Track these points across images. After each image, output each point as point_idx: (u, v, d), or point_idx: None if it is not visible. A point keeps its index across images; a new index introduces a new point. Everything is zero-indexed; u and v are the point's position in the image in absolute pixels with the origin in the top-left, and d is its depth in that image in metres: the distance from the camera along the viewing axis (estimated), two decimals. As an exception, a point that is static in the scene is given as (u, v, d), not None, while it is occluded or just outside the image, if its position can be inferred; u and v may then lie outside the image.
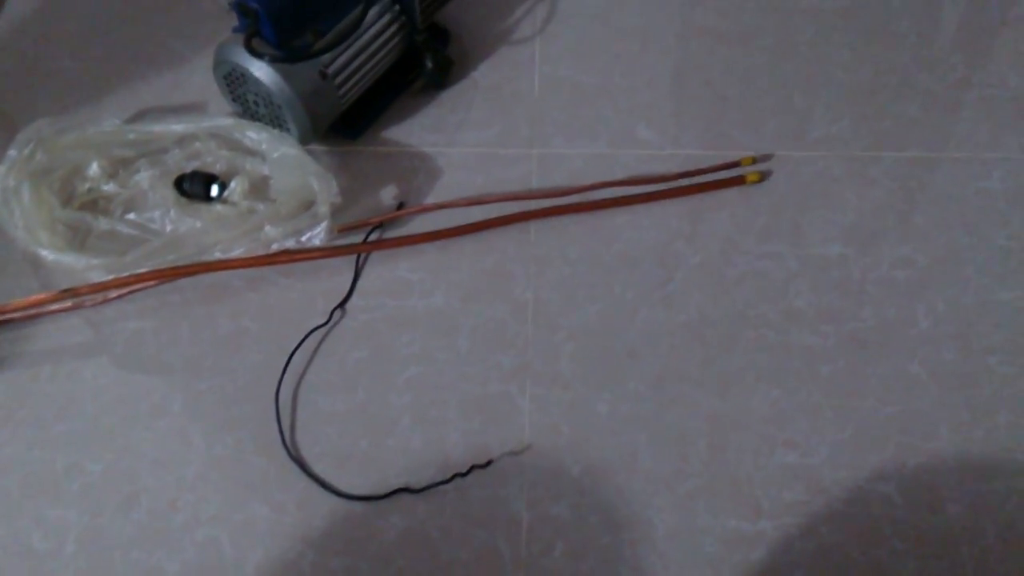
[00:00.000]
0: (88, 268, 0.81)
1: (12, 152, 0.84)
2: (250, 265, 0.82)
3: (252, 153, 0.88)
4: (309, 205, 0.85)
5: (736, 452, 0.75)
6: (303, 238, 0.83)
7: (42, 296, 0.80)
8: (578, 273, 0.84)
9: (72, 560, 0.70)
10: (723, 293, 0.83)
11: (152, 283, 0.82)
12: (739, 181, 0.89)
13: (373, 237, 0.86)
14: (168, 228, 0.85)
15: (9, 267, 0.84)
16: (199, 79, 0.96)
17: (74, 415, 0.77)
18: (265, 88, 0.82)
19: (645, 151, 0.92)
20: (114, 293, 0.82)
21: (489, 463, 0.74)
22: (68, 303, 0.82)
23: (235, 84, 0.86)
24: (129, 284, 0.80)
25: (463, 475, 0.73)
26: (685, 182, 0.89)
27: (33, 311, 0.81)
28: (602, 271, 0.84)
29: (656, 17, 1.04)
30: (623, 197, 0.88)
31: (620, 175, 0.89)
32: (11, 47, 0.99)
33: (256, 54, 0.80)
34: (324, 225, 0.83)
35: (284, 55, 0.81)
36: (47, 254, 0.80)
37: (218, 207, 0.86)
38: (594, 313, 0.82)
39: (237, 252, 0.82)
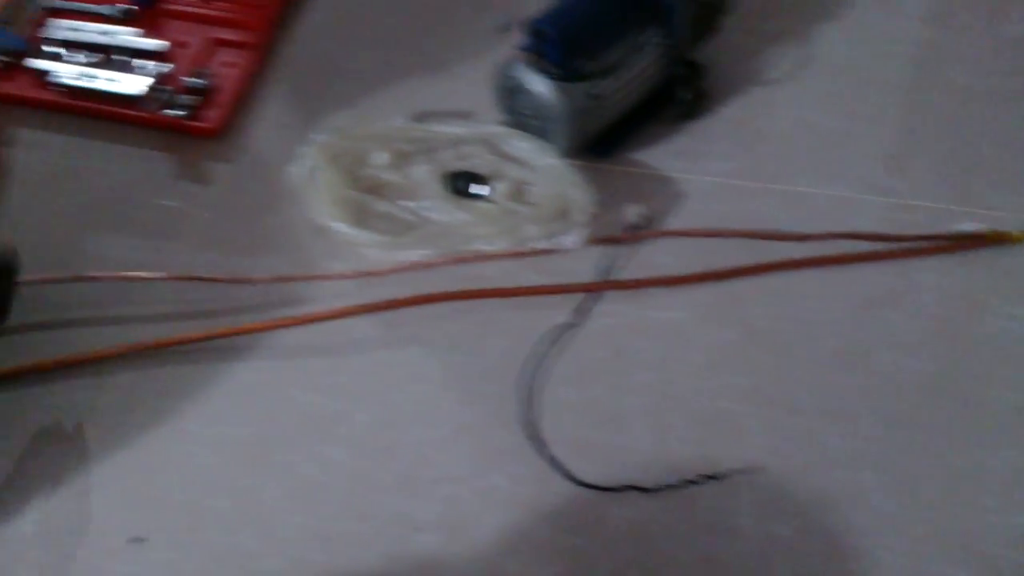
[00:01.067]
0: (370, 243, 0.95)
1: (318, 136, 1.01)
2: (509, 257, 0.94)
3: (514, 160, 1.01)
4: (564, 212, 0.96)
5: (973, 507, 0.80)
6: (558, 241, 0.94)
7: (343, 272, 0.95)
8: (815, 310, 0.91)
9: (339, 494, 0.83)
10: (969, 349, 0.88)
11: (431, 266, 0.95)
12: (1001, 238, 0.94)
13: (615, 251, 0.96)
14: (436, 217, 0.98)
15: (302, 237, 0.99)
16: (468, 89, 1.09)
17: (344, 371, 0.90)
18: (542, 103, 0.95)
19: (889, 199, 0.98)
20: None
21: (718, 476, 0.82)
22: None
23: (512, 96, 0.98)
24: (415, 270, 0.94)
25: (694, 483, 0.82)
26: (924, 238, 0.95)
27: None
28: (841, 310, 0.91)
29: (906, 71, 1.11)
30: (871, 252, 0.94)
31: (863, 220, 0.96)
32: (314, 47, 1.16)
33: (540, 71, 0.93)
34: (579, 231, 0.94)
35: (565, 74, 0.93)
36: (339, 227, 0.95)
37: (481, 204, 0.98)
38: (829, 349, 0.89)
39: (499, 246, 0.94)
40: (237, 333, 0.92)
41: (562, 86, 0.93)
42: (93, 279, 0.95)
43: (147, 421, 0.88)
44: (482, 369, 0.90)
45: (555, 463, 0.84)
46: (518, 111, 0.99)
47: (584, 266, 0.96)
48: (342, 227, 0.96)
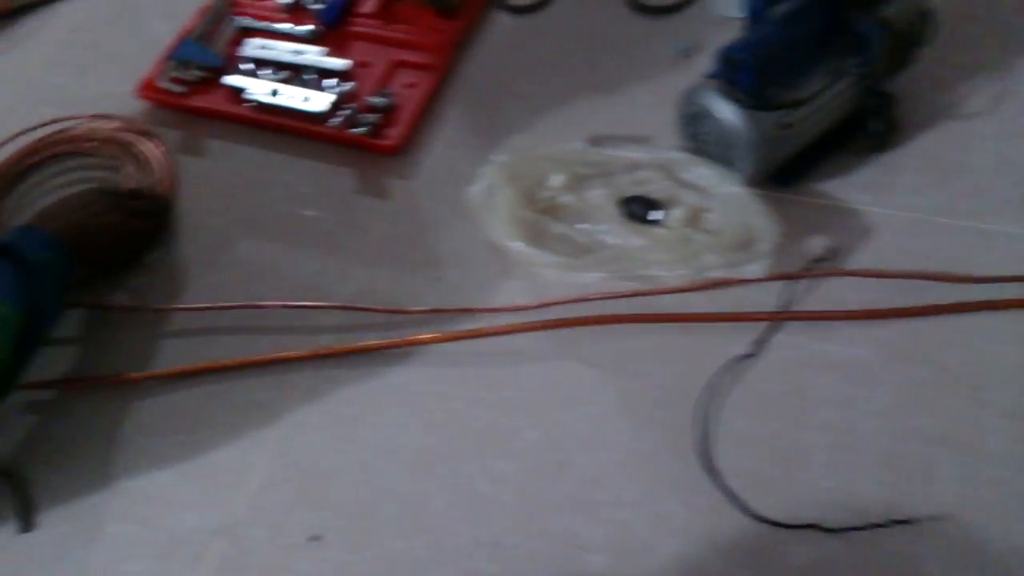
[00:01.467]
0: (545, 263, 0.97)
1: (497, 157, 1.04)
2: (689, 290, 0.94)
3: (692, 187, 1.01)
4: (745, 242, 0.96)
5: None
6: (740, 270, 0.94)
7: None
8: (1013, 354, 0.88)
9: (509, 509, 0.84)
10: None
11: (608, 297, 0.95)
12: None
13: (796, 283, 0.95)
14: (611, 241, 0.99)
15: (478, 254, 1.02)
16: (645, 114, 1.10)
17: (516, 387, 0.92)
18: (729, 130, 0.95)
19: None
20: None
21: (908, 521, 0.79)
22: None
23: (696, 123, 0.98)
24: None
25: (880, 526, 0.79)
26: None
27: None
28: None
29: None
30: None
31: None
32: (491, 69, 1.19)
33: (729, 99, 0.93)
34: (761, 262, 0.93)
35: (756, 103, 0.93)
36: (517, 246, 0.98)
37: (658, 230, 0.99)
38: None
39: (676, 273, 0.95)
40: (412, 344, 0.95)
41: (752, 114, 0.93)
42: (260, 307, 1.00)
43: (325, 424, 0.92)
44: (656, 395, 0.90)
45: (731, 495, 0.83)
46: (701, 138, 0.99)
47: (762, 296, 0.95)
48: (519, 246, 0.98)
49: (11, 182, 1.15)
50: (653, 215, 0.99)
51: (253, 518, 0.87)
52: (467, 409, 0.91)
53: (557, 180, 1.03)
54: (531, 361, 0.93)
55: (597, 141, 1.07)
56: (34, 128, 1.18)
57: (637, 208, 1.00)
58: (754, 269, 0.93)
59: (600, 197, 1.02)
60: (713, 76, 0.95)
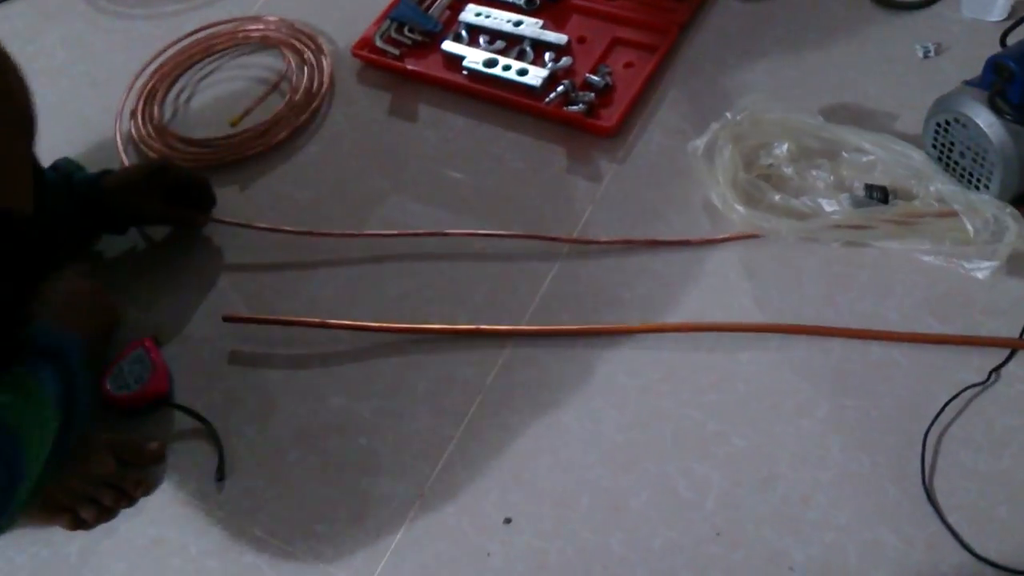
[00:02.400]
0: (765, 226, 0.97)
1: (727, 115, 1.04)
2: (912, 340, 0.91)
3: (925, 181, 0.97)
4: (982, 246, 0.92)
5: None
6: (967, 266, 0.92)
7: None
8: None
9: (710, 516, 0.84)
10: None
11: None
12: None
13: None
14: (835, 217, 0.97)
15: (687, 210, 1.04)
16: (877, 110, 1.07)
17: (726, 389, 0.91)
18: (987, 144, 0.90)
19: None
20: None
21: None
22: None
23: (947, 132, 0.95)
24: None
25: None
26: None
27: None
28: None
29: None
30: None
31: None
32: (714, 55, 1.18)
33: (993, 110, 0.89)
34: (994, 263, 0.90)
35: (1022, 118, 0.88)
36: (739, 208, 0.98)
37: (887, 212, 0.96)
38: None
39: (909, 246, 0.95)
40: (620, 332, 0.97)
41: (1018, 131, 0.89)
42: (447, 235, 1.04)
43: (525, 406, 0.94)
44: (876, 416, 0.87)
45: (952, 531, 0.80)
46: (949, 145, 0.95)
47: (998, 321, 0.91)
48: (739, 208, 0.98)
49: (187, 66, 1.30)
50: (880, 200, 0.98)
51: (447, 491, 0.90)
52: (673, 407, 0.91)
53: (781, 149, 1.02)
54: (744, 364, 0.93)
55: (834, 115, 1.05)
56: (202, 29, 1.32)
57: (865, 191, 0.98)
58: (983, 268, 0.90)
59: (822, 175, 1.01)
60: (976, 84, 0.91)
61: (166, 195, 1.09)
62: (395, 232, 1.08)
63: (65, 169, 1.07)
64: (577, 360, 0.96)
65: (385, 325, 1.01)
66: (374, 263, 1.07)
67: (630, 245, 1.03)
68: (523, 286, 1.02)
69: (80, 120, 1.27)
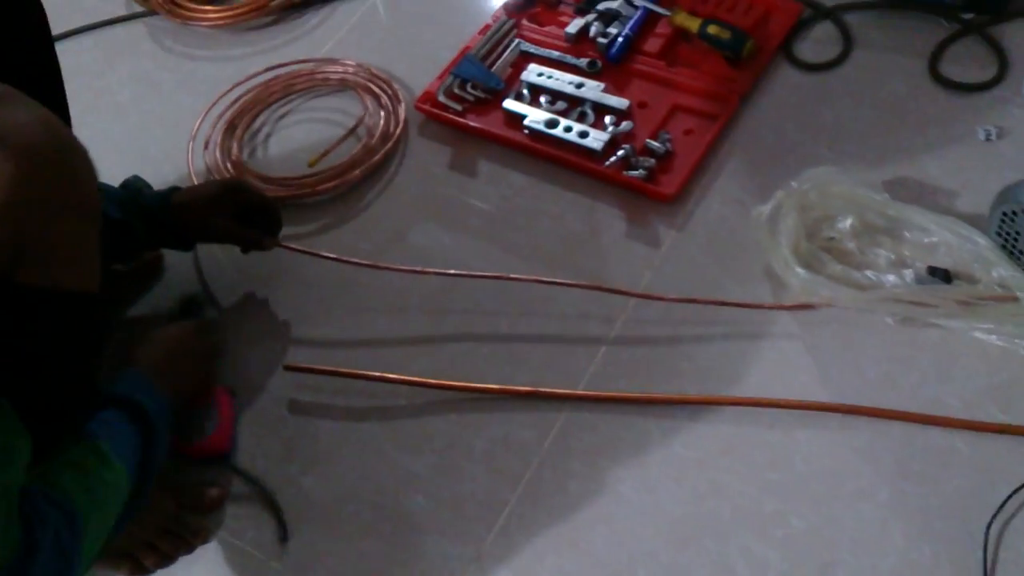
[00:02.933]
0: (832, 296, 0.98)
1: (793, 183, 1.05)
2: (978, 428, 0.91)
3: (990, 267, 0.97)
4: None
5: None
6: None
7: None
8: None
9: (768, 598, 0.84)
10: None
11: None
12: None
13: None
14: (896, 292, 0.98)
15: (748, 279, 1.05)
16: (938, 190, 1.07)
17: (785, 468, 0.91)
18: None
19: None
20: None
21: None
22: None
23: (1013, 221, 0.95)
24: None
25: None
26: None
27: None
28: None
29: None
30: None
31: None
32: (775, 125, 1.18)
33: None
34: None
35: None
36: (800, 271, 0.99)
37: (950, 292, 0.97)
38: None
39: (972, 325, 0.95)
40: (677, 402, 0.96)
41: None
42: (511, 279, 1.05)
43: (583, 471, 0.94)
44: (938, 505, 0.87)
45: (1015, 630, 0.80)
46: (1014, 232, 0.95)
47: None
48: (801, 272, 0.99)
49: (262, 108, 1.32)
50: (942, 280, 0.98)
51: (503, 555, 0.90)
52: (731, 483, 0.91)
53: (845, 223, 1.03)
54: (803, 443, 0.92)
55: (895, 193, 1.05)
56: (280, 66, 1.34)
57: (927, 271, 0.99)
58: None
59: (887, 253, 1.01)
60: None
61: (236, 214, 1.08)
62: (458, 272, 1.08)
63: (134, 185, 1.07)
64: (635, 428, 0.96)
65: (444, 383, 1.01)
66: (434, 315, 1.08)
67: (694, 303, 1.02)
68: (582, 348, 1.03)
69: (147, 157, 1.28)
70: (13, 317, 0.73)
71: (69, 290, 0.75)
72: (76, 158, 0.74)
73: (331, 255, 1.11)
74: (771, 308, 1.02)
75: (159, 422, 0.88)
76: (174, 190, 1.07)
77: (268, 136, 1.29)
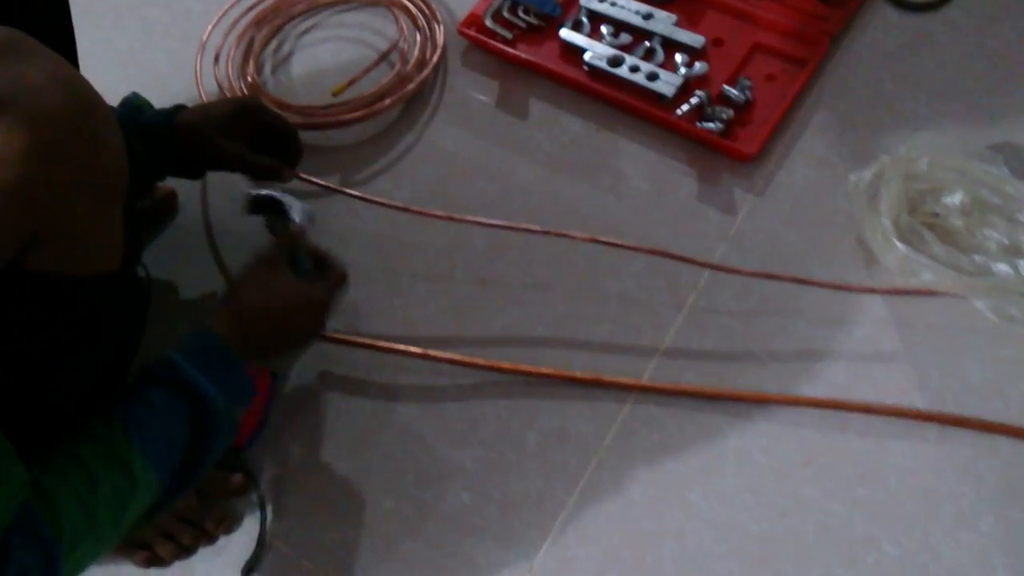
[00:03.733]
0: (934, 281, 0.87)
1: (902, 148, 0.93)
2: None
3: None
4: None
5: None
6: None
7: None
8: None
9: (858, 635, 0.76)
10: None
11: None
12: None
13: None
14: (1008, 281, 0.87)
15: (837, 257, 0.93)
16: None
17: (876, 484, 0.81)
18: None
19: None
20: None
21: None
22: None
23: None
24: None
25: None
26: None
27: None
28: None
29: None
30: None
31: None
32: (869, 74, 1.04)
33: None
34: None
35: None
36: (900, 247, 0.87)
37: None
38: None
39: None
40: (759, 400, 0.86)
41: None
42: (567, 235, 0.94)
43: (647, 476, 0.84)
44: (1044, 538, 0.79)
45: None
46: None
47: None
48: (901, 247, 0.88)
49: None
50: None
51: (558, 568, 0.81)
52: (816, 498, 0.82)
53: (954, 198, 0.91)
54: (897, 455, 0.83)
55: (1011, 167, 0.93)
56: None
57: None
58: None
59: (999, 236, 0.90)
60: None
61: (251, 139, 0.93)
62: (506, 224, 0.95)
63: (133, 103, 0.91)
64: (707, 427, 0.86)
65: (494, 364, 0.90)
66: (481, 283, 0.97)
67: (774, 280, 0.91)
68: (647, 329, 0.92)
69: (149, 71, 1.15)
70: (25, 308, 0.62)
71: (85, 276, 0.64)
72: (100, 123, 0.62)
73: (358, 194, 0.98)
74: (864, 291, 0.90)
75: (219, 415, 0.74)
76: (179, 108, 0.92)
77: (289, 55, 1.15)
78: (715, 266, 0.93)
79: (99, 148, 0.61)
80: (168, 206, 1.04)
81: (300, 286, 0.84)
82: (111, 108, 0.80)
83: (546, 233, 0.94)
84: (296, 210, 0.89)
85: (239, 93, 1.10)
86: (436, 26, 1.12)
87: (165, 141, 0.89)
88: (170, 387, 0.73)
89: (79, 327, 0.66)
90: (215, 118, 0.91)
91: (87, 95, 0.61)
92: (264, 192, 0.91)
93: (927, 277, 0.88)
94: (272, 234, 0.90)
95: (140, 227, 0.93)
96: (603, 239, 0.93)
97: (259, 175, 0.96)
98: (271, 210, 0.91)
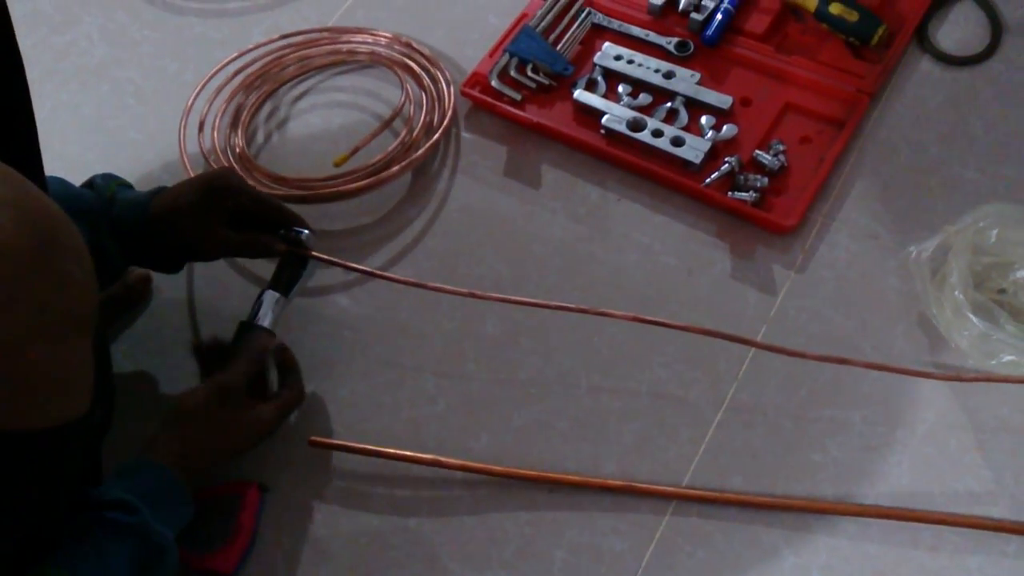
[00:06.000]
0: (1016, 358, 0.78)
1: (967, 217, 0.85)
2: None
3: None
4: None
5: None
6: None
7: None
8: None
9: None
10: None
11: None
12: None
13: None
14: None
15: (890, 339, 0.85)
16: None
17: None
18: None
19: None
20: None
21: None
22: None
23: None
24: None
25: None
26: None
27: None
28: None
29: None
30: None
31: None
32: (912, 136, 0.97)
33: None
34: None
35: None
36: (978, 323, 0.79)
37: None
38: None
39: None
40: (813, 510, 0.77)
41: None
42: (606, 314, 0.84)
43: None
44: None
45: None
46: None
47: None
48: (979, 324, 0.79)
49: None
50: None
51: None
52: None
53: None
54: (978, 573, 0.73)
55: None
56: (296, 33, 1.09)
57: None
58: None
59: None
60: None
61: (232, 218, 0.83)
62: (539, 302, 0.86)
63: (106, 192, 0.81)
64: (758, 543, 0.76)
65: (512, 471, 0.80)
66: (495, 372, 0.87)
67: (843, 364, 0.81)
68: (686, 424, 0.82)
69: (124, 140, 1.04)
70: None
71: (47, 428, 0.53)
72: (61, 252, 0.51)
73: (365, 268, 0.89)
74: (931, 377, 0.81)
75: (170, 556, 0.67)
76: (155, 194, 0.82)
77: (283, 122, 1.04)
78: (771, 347, 0.82)
79: (62, 282, 0.50)
80: (140, 291, 0.94)
81: (252, 419, 0.78)
82: (83, 207, 0.71)
83: (583, 311, 0.84)
84: (267, 313, 0.83)
85: (226, 165, 0.99)
86: (445, 88, 1.03)
87: (142, 239, 0.80)
88: (128, 535, 0.65)
89: (35, 480, 0.55)
90: (183, 208, 0.80)
91: (46, 218, 0.50)
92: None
93: (1009, 358, 0.79)
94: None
95: (109, 362, 0.82)
96: (646, 318, 0.84)
97: (249, 255, 0.87)
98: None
